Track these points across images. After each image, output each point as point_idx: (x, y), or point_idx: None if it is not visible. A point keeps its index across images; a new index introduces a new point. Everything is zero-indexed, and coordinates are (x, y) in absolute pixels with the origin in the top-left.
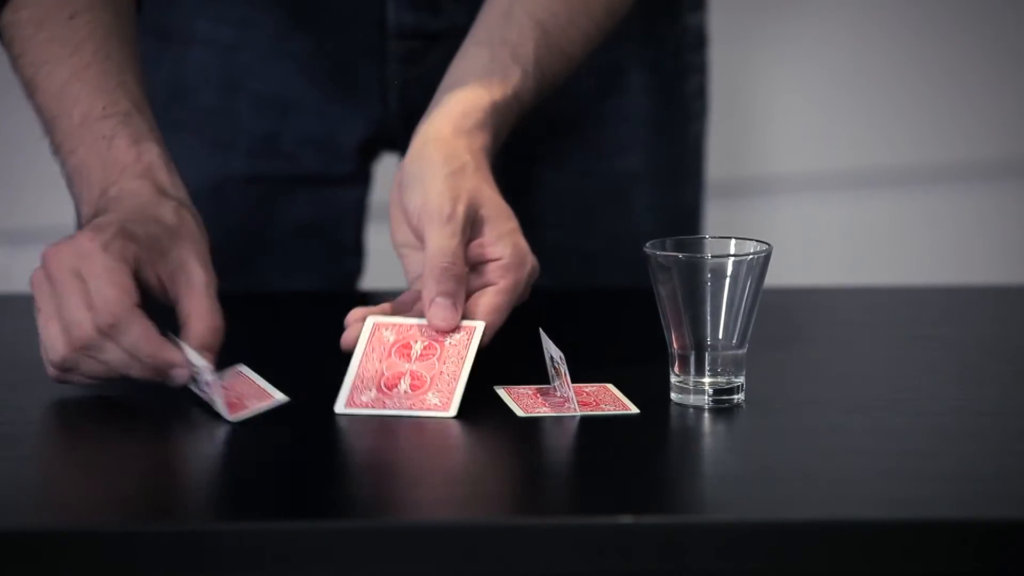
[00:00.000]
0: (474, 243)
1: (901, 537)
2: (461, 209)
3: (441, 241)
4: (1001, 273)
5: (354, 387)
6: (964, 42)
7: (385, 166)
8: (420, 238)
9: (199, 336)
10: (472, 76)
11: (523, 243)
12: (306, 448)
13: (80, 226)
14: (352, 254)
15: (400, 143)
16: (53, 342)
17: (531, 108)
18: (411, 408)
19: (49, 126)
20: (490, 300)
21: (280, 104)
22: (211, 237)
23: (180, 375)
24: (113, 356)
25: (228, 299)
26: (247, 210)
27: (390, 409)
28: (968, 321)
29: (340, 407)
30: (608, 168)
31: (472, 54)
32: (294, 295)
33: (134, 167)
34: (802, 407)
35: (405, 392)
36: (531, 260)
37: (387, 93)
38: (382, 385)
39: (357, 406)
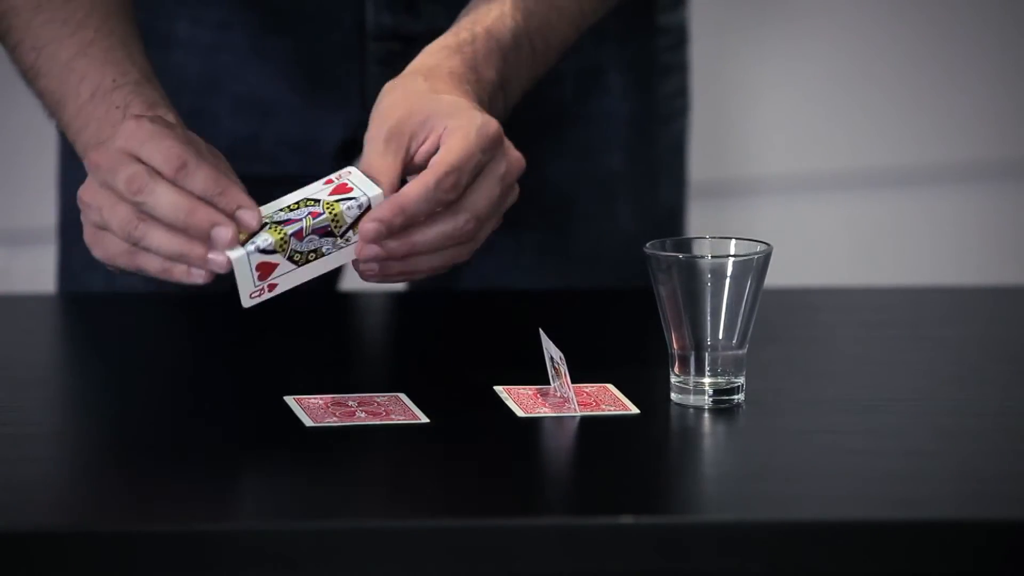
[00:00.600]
0: (428, 142)
1: (901, 537)
2: (387, 135)
3: (372, 163)
4: (1001, 273)
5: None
6: (961, 41)
7: None
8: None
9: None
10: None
11: (479, 116)
12: (305, 448)
13: None
14: None
15: None
16: (110, 216)
17: (539, 55)
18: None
19: (55, 107)
20: (449, 140)
21: (259, 106)
22: None
23: (248, 216)
24: (164, 204)
25: (210, 299)
26: None
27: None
28: (968, 321)
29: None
30: (590, 168)
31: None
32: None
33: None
34: (802, 407)
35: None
36: (492, 128)
37: (366, 95)
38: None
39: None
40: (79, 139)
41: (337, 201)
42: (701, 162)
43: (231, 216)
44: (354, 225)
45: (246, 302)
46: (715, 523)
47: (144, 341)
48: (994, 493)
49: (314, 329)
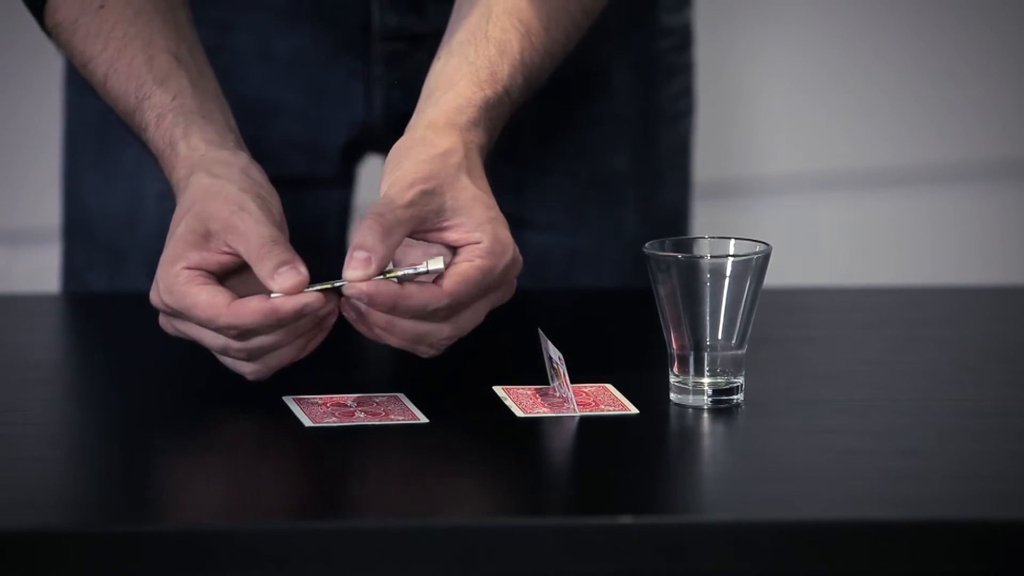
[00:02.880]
0: (439, 230)
1: (901, 537)
2: (419, 188)
3: (383, 200)
4: (1001, 273)
5: None
6: (963, 41)
7: (370, 168)
8: None
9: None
10: (461, 74)
11: (505, 234)
12: (304, 448)
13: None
14: (336, 255)
15: (384, 145)
16: (210, 339)
17: (520, 107)
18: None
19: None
20: (461, 268)
21: (263, 106)
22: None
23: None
24: (264, 341)
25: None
26: None
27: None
28: (968, 321)
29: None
30: (594, 169)
31: (458, 52)
32: None
33: (166, 153)
34: (802, 407)
35: None
36: (513, 252)
37: (371, 95)
38: None
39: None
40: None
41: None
42: (705, 162)
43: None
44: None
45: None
46: (715, 523)
47: (145, 341)
48: (994, 493)
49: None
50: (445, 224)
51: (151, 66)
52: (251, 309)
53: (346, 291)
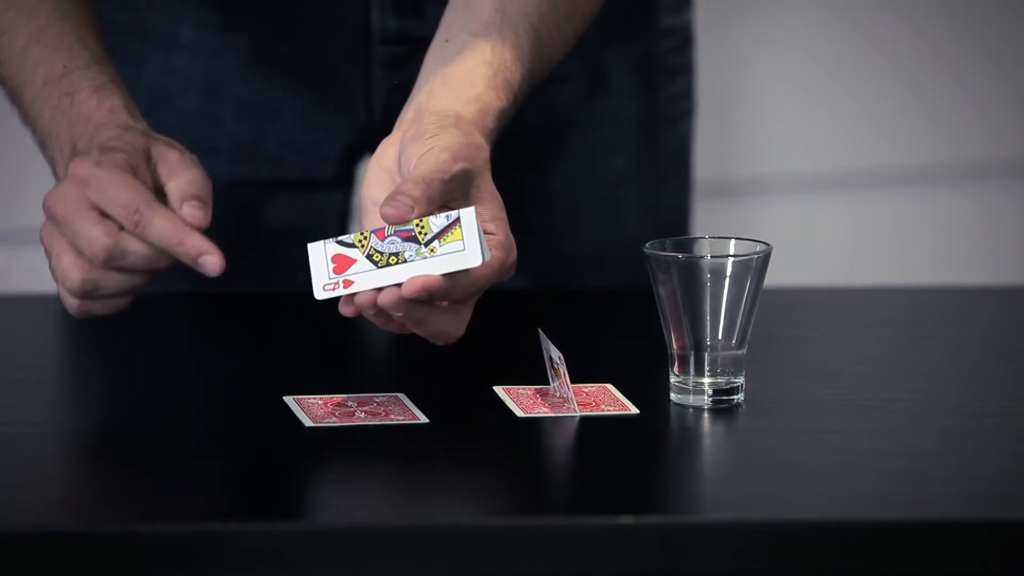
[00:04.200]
0: (457, 205)
1: (901, 537)
2: (460, 166)
3: (423, 171)
4: (1002, 273)
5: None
6: (964, 41)
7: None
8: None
9: (179, 188)
10: (479, 74)
11: (511, 236)
12: (305, 448)
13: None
14: None
15: None
16: (67, 270)
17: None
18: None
19: (15, 95)
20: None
21: (263, 109)
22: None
23: (211, 263)
24: (138, 257)
25: (210, 300)
26: (229, 215)
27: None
28: (969, 321)
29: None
30: (595, 170)
31: (472, 43)
32: (277, 296)
33: (96, 114)
34: (802, 407)
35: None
36: (514, 254)
37: (371, 98)
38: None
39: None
40: (36, 126)
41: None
42: (705, 162)
43: (194, 263)
44: (441, 235)
45: (319, 293)
46: (715, 523)
47: (145, 341)
48: (994, 493)
49: (314, 329)
50: (464, 205)
51: (85, 44)
52: (169, 215)
53: (382, 302)
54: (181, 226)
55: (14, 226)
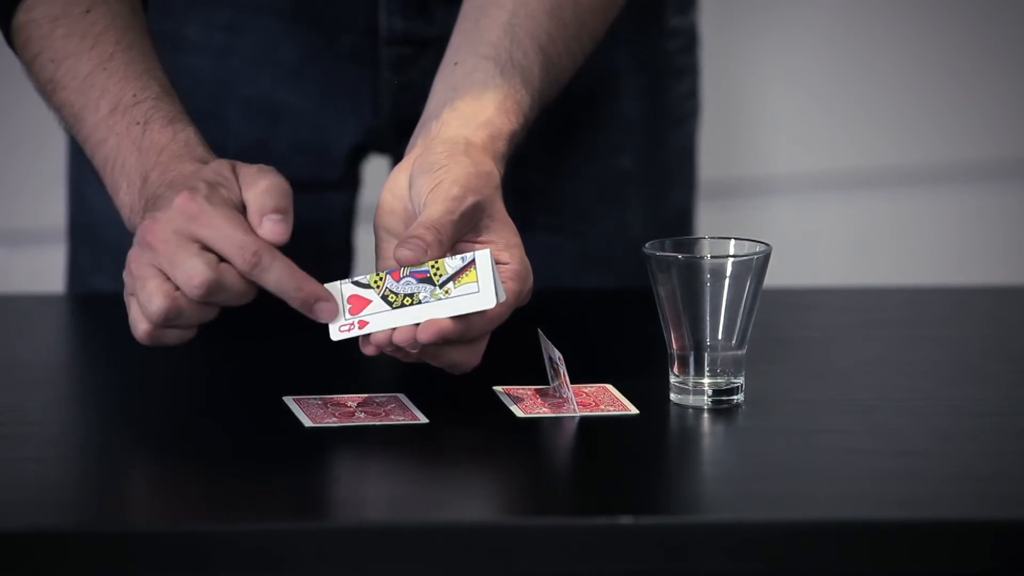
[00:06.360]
0: (471, 242)
1: (901, 537)
2: (471, 200)
3: (434, 213)
4: (1001, 273)
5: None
6: (965, 42)
7: (374, 170)
8: (414, 218)
9: (258, 201)
10: (489, 98)
11: (527, 261)
12: (304, 448)
13: (119, 209)
14: (341, 255)
15: (391, 148)
16: (152, 295)
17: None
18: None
19: (74, 120)
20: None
21: (270, 110)
22: None
23: (326, 310)
24: (231, 294)
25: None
26: None
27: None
28: (968, 321)
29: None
30: (600, 170)
31: (483, 67)
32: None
33: (172, 146)
34: (802, 407)
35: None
36: (531, 280)
37: (379, 99)
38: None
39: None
40: (98, 152)
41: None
42: (709, 162)
43: (309, 310)
44: (455, 277)
45: (335, 335)
46: (715, 523)
47: None
48: (994, 493)
49: (314, 329)
50: (479, 240)
51: (153, 76)
52: (287, 262)
53: (396, 340)
54: (300, 273)
55: (14, 226)
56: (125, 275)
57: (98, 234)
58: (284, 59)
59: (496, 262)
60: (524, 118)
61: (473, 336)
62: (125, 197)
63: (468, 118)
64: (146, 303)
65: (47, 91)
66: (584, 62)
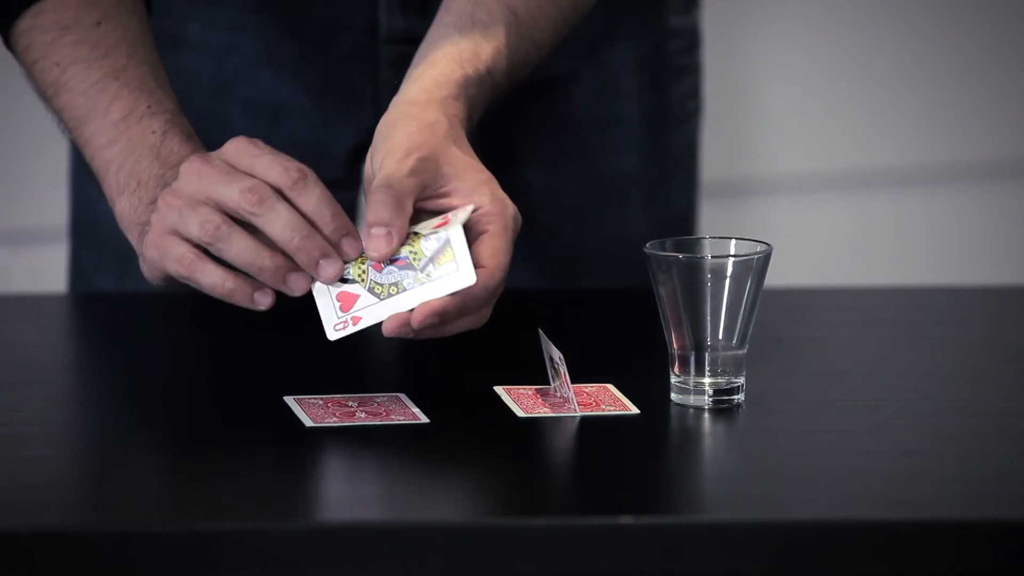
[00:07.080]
0: (437, 197)
1: (901, 537)
2: (416, 155)
3: (386, 171)
4: (1001, 273)
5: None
6: (964, 41)
7: None
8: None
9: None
10: (443, 53)
11: (500, 191)
12: (304, 448)
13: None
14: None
15: None
16: (208, 216)
17: (504, 92)
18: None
19: (76, 123)
20: (489, 244)
21: (270, 109)
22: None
23: (352, 246)
24: (281, 221)
25: (210, 300)
26: None
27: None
28: (968, 321)
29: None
30: (602, 170)
31: (442, 34)
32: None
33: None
34: (802, 407)
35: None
36: (511, 206)
37: (379, 98)
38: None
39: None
40: (101, 154)
41: (417, 233)
42: (711, 162)
43: (337, 243)
44: (434, 259)
45: (331, 334)
46: (715, 523)
47: (145, 342)
48: (994, 493)
49: (314, 329)
50: (443, 191)
51: (167, 93)
52: (320, 191)
53: (385, 331)
54: (335, 201)
55: (14, 226)
56: (158, 214)
57: (101, 232)
58: (284, 59)
59: (484, 251)
60: (484, 66)
61: (474, 309)
62: (131, 198)
63: (415, 79)
64: (205, 222)
65: (47, 94)
66: (566, 28)
